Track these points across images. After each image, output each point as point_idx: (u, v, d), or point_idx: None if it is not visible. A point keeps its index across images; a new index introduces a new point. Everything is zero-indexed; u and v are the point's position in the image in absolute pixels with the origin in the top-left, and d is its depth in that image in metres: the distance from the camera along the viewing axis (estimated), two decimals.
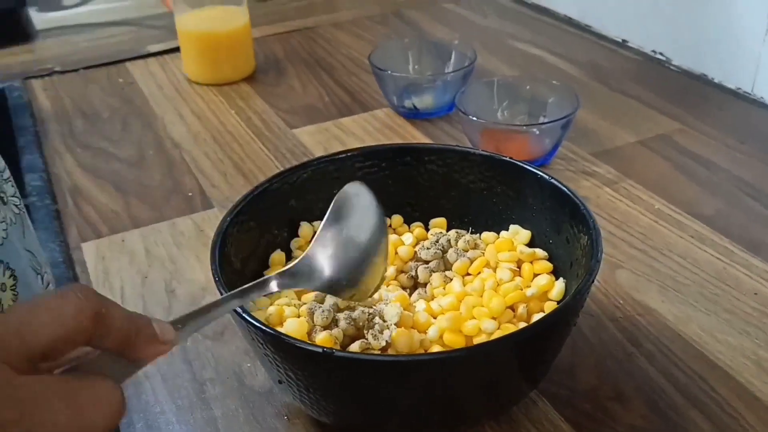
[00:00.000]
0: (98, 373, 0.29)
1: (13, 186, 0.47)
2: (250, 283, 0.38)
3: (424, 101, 0.76)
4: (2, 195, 0.45)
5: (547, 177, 0.48)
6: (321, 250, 0.41)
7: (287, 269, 0.40)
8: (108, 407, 0.28)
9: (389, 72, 0.76)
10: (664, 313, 0.51)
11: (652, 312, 0.51)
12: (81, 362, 0.29)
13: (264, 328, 0.37)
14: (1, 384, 0.25)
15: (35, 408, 0.26)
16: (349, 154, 0.52)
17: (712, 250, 0.57)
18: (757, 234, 0.59)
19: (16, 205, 0.46)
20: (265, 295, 0.41)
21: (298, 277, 0.40)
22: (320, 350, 0.36)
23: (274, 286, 0.39)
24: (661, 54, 0.90)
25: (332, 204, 0.42)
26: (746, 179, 0.66)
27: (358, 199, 0.42)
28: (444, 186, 0.52)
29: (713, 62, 0.83)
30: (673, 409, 0.44)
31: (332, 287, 0.41)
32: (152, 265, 0.58)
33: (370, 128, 0.77)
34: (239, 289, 0.38)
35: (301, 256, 0.41)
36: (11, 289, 0.42)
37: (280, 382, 0.40)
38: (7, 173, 0.47)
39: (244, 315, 0.37)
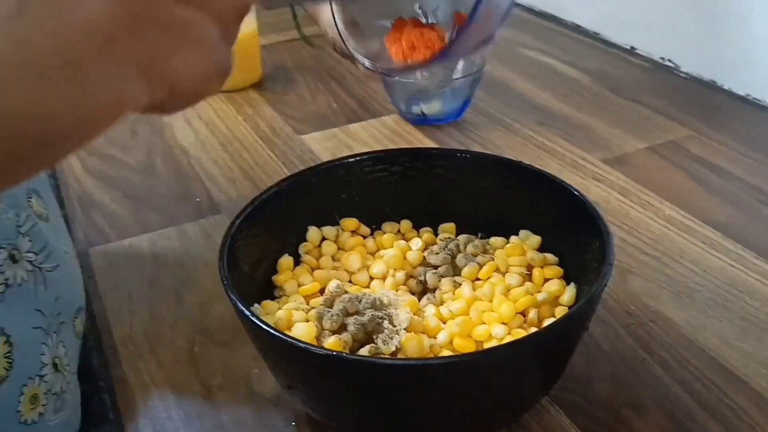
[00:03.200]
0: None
1: (30, 240, 0.43)
2: None
3: (432, 107, 0.76)
4: (15, 252, 0.41)
5: (558, 181, 0.47)
6: None
7: None
8: (225, 70, 0.28)
9: (397, 78, 0.76)
10: (677, 320, 0.50)
11: (664, 319, 0.51)
12: None
13: (273, 332, 0.36)
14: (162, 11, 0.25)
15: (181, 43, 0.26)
16: (358, 158, 0.51)
17: (725, 257, 0.56)
18: None
19: (30, 261, 0.42)
20: None
21: None
22: (329, 354, 0.35)
23: None
24: (669, 61, 0.89)
25: None
26: (758, 186, 0.65)
27: None
28: (453, 191, 0.52)
29: (723, 69, 0.83)
30: (689, 418, 0.43)
31: None
32: (160, 270, 0.57)
33: (379, 134, 0.76)
34: None
35: None
36: (5, 357, 0.39)
37: (288, 387, 0.40)
38: (27, 225, 0.43)
39: (253, 319, 0.37)
